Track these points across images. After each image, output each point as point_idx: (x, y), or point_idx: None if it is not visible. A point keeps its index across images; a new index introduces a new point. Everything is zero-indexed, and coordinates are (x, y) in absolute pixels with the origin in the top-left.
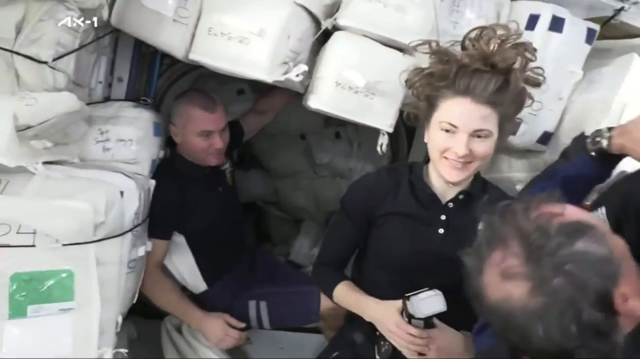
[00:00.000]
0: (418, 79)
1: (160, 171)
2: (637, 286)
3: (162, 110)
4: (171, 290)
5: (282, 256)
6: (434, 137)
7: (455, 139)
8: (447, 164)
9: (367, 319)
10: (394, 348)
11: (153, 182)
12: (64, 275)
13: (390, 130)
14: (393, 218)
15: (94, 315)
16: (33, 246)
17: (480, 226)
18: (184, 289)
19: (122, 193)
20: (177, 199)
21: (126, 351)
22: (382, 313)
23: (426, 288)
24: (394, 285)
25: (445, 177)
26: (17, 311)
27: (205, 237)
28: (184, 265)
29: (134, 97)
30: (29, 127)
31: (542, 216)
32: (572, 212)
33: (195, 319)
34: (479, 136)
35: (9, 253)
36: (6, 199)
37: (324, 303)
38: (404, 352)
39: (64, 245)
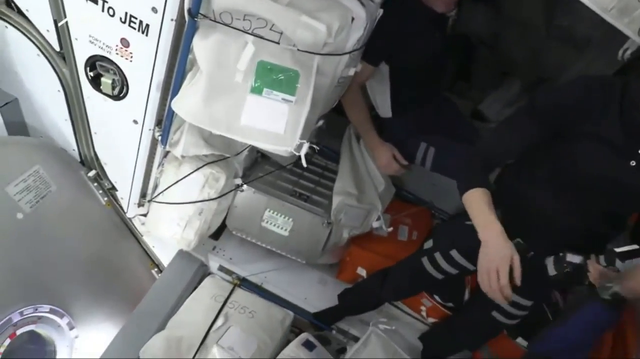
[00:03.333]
0: None
1: (391, 1)
2: None
3: None
4: (362, 109)
5: (473, 102)
6: None
7: None
8: None
9: (480, 236)
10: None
11: (381, 12)
12: (292, 73)
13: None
14: (589, 139)
15: (303, 111)
16: (277, 43)
17: None
18: (371, 109)
19: (352, 19)
20: (397, 32)
21: (318, 147)
22: (499, 246)
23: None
24: (560, 203)
25: None
26: (257, 89)
27: (406, 74)
28: (379, 91)
29: None
30: None
31: None
32: None
33: (371, 141)
34: None
35: (262, 44)
36: (269, 2)
37: None
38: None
39: (298, 50)
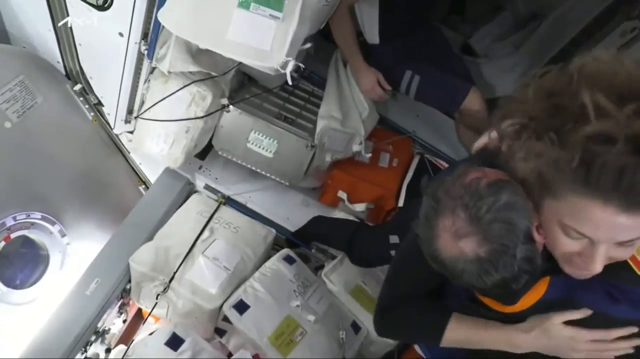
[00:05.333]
0: (525, 151)
1: None
2: (537, 215)
3: None
4: (349, 32)
5: (464, 35)
6: (552, 234)
7: (588, 251)
8: (571, 266)
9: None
10: None
11: None
12: None
13: None
14: None
15: (290, 28)
16: None
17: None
18: (359, 34)
19: None
20: None
21: (303, 66)
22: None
23: None
24: None
25: (566, 272)
26: (244, 4)
27: None
28: (368, 15)
29: None
30: None
31: (472, 181)
32: (490, 172)
33: (356, 64)
34: (624, 244)
35: None
36: None
37: (469, 102)
38: None
39: None
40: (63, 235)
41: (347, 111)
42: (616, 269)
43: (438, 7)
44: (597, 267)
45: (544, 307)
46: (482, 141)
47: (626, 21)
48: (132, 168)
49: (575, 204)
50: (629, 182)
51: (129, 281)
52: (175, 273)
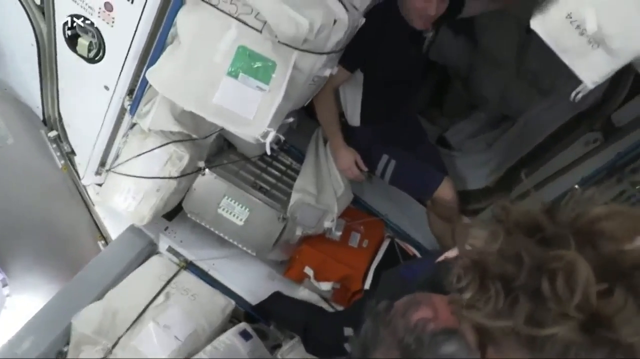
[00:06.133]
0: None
1: (374, 9)
2: None
3: None
4: (332, 111)
5: (441, 128)
6: None
7: None
8: None
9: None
10: None
11: (363, 21)
12: (269, 63)
13: (592, 87)
14: None
15: (275, 101)
16: (260, 32)
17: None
18: (341, 115)
19: (335, 21)
20: (375, 41)
21: (284, 138)
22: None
23: None
24: None
25: None
26: (234, 72)
27: (380, 85)
28: (351, 99)
29: None
30: None
31: (419, 323)
32: (442, 313)
33: (335, 142)
34: None
35: (245, 30)
36: None
37: (441, 191)
38: None
39: (279, 41)
40: (5, 285)
41: (322, 187)
42: None
43: (418, 99)
44: None
45: None
46: (445, 255)
47: (589, 132)
48: (95, 222)
49: None
50: (574, 357)
51: (68, 343)
52: (120, 338)
